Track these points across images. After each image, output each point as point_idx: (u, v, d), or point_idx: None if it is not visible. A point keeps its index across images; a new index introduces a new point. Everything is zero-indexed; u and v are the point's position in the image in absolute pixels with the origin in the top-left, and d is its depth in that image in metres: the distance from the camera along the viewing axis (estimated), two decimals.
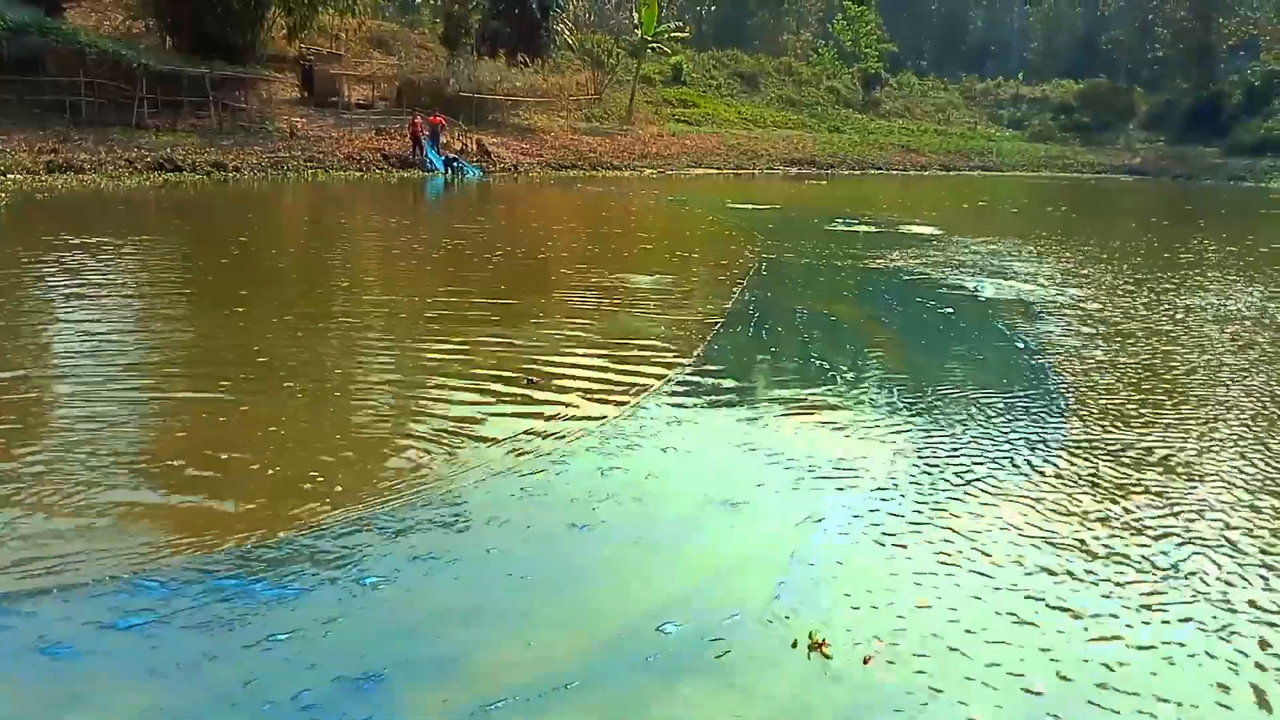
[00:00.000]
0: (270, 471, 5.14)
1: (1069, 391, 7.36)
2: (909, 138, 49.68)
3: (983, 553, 4.48)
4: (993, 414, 6.65)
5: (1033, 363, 8.31)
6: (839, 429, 6.29)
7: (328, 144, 27.16)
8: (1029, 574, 4.29)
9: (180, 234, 14.81)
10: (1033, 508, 5.03)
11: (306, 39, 33.23)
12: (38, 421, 5.92)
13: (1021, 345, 8.95)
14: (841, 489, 5.21)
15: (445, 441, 5.70)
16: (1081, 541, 4.65)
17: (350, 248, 14.47)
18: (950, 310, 10.77)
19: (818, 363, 8.09)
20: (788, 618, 3.84)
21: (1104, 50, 64.49)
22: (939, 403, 6.93)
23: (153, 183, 20.60)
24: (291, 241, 15.43)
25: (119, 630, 3.59)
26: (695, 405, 6.71)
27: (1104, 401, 7.11)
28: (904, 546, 4.52)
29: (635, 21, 43.76)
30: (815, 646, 3.60)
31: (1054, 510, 5.02)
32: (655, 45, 43.28)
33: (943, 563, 4.36)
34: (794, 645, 3.64)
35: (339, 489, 4.93)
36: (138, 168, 21.39)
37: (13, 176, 18.74)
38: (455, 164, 27.72)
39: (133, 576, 3.94)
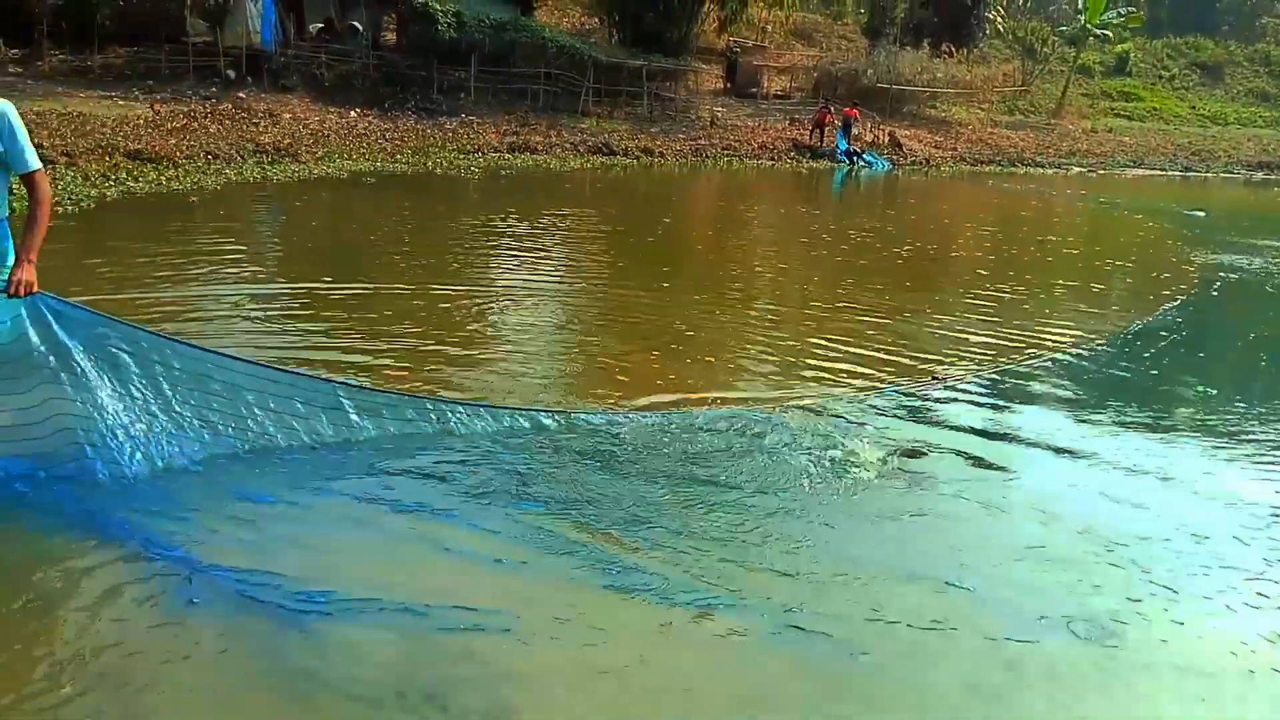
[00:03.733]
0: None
1: None
2: None
3: None
4: None
5: None
6: None
7: (743, 133, 28.21)
8: None
9: (615, 212, 16.25)
10: None
11: (734, 31, 34.70)
12: (488, 342, 6.86)
13: None
14: None
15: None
16: None
17: (762, 233, 14.95)
18: None
19: (1265, 394, 6.93)
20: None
21: None
22: None
23: (591, 164, 22.81)
24: (709, 224, 16.29)
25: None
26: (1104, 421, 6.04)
27: None
28: None
29: (1079, 6, 40.14)
30: None
31: None
32: (1100, 32, 39.34)
33: None
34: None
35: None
36: (580, 150, 23.79)
37: (483, 156, 21.77)
38: (859, 156, 27.44)
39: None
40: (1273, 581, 4.11)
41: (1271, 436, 6.03)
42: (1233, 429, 6.17)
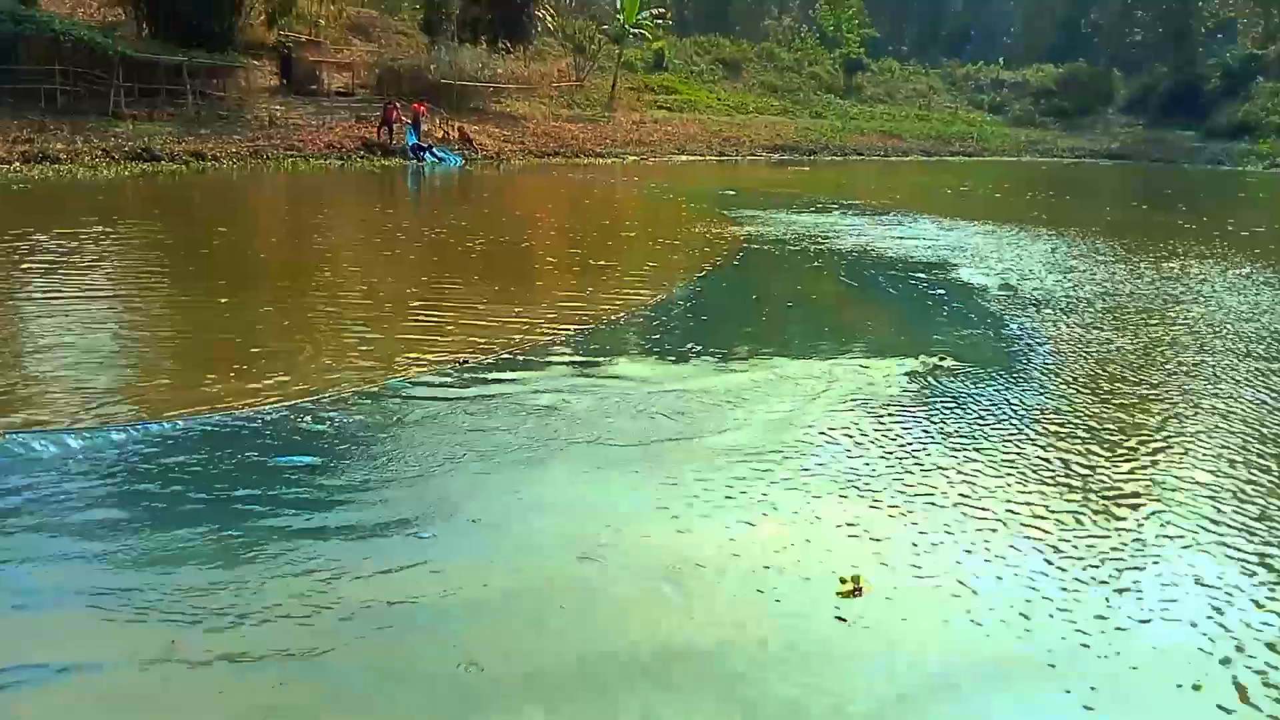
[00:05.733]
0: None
1: (1050, 368, 7.50)
2: (890, 123, 49.77)
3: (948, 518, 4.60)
4: (971, 389, 6.77)
5: (1015, 341, 8.44)
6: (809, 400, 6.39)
7: (307, 132, 26.99)
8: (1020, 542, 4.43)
9: (160, 224, 14.75)
10: (1021, 482, 5.16)
11: (285, 26, 32.97)
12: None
13: (1010, 328, 9.10)
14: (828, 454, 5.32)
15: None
16: (1069, 511, 4.79)
17: (331, 237, 14.45)
18: (942, 292, 10.89)
19: (767, 339, 8.33)
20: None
21: (1084, 34, 64.65)
22: (905, 379, 7.06)
23: (130, 173, 20.47)
24: (272, 231, 15.40)
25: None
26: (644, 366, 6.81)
27: (1085, 379, 7.25)
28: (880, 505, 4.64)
29: (617, 7, 43.65)
30: (854, 592, 3.93)
31: (1044, 481, 5.15)
32: (637, 31, 43.18)
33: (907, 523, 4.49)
34: (841, 580, 3.99)
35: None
36: (115, 158, 21.22)
37: None
38: (430, 152, 27.52)
39: None
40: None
41: (775, 362, 7.15)
42: (755, 358, 7.23)
